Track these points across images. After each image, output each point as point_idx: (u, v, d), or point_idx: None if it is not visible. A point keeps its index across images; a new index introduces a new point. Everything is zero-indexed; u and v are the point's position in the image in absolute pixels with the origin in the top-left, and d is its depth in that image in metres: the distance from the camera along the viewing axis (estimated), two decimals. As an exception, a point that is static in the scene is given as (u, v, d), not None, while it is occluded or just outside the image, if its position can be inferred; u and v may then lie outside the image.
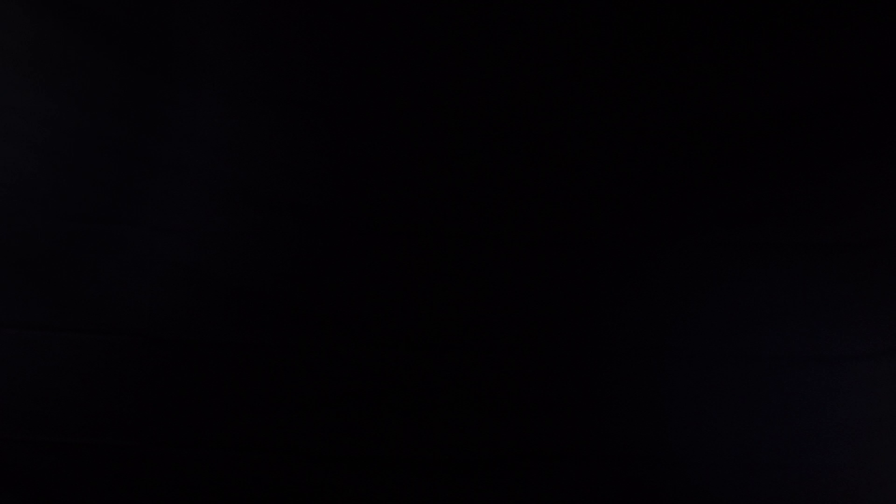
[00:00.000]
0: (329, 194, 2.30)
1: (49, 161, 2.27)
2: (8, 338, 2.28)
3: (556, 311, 2.37)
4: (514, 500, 2.39)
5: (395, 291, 2.24)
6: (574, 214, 2.36)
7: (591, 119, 2.34)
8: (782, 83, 2.34)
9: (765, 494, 2.37)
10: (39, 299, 2.28)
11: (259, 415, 2.34)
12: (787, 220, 2.36)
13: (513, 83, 2.36)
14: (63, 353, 2.28)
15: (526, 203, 2.37)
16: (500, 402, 2.39)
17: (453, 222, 2.30)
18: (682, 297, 2.37)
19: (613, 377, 2.38)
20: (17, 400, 2.28)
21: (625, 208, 2.37)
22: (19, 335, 2.28)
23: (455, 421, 2.38)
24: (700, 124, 2.36)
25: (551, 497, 2.40)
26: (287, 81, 2.29)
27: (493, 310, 2.37)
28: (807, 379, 2.36)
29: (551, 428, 2.39)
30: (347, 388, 2.34)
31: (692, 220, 2.37)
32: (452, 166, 2.19)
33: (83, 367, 2.29)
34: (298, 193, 2.29)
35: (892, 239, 2.36)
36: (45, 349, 2.28)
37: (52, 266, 2.28)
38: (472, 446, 2.38)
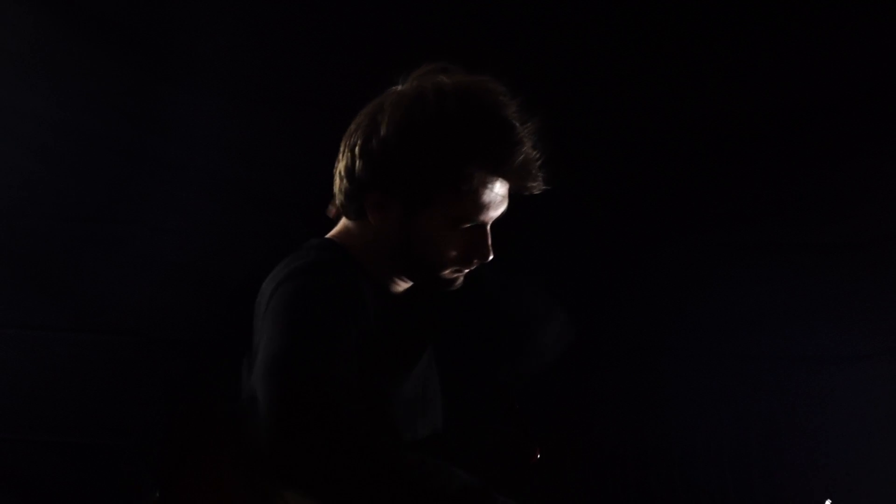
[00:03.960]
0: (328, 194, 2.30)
1: (49, 161, 2.26)
2: (8, 338, 2.28)
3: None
4: (513, 500, 2.39)
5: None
6: (574, 214, 2.36)
7: (592, 119, 2.35)
8: (782, 83, 2.35)
9: (764, 494, 2.37)
10: (39, 299, 2.28)
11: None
12: (787, 220, 2.37)
13: (512, 83, 2.35)
14: (63, 353, 2.28)
15: (525, 203, 2.36)
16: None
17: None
18: (682, 297, 2.37)
19: (613, 377, 2.38)
20: (17, 400, 2.28)
21: (625, 208, 2.37)
22: (19, 335, 2.28)
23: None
24: (700, 124, 2.36)
25: (552, 497, 2.39)
26: (287, 81, 2.29)
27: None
28: (807, 379, 2.36)
29: (551, 428, 2.38)
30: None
31: (692, 220, 2.37)
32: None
33: (83, 367, 2.29)
34: (298, 193, 2.28)
35: (892, 239, 2.36)
36: (45, 349, 2.28)
37: (52, 266, 2.28)
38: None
